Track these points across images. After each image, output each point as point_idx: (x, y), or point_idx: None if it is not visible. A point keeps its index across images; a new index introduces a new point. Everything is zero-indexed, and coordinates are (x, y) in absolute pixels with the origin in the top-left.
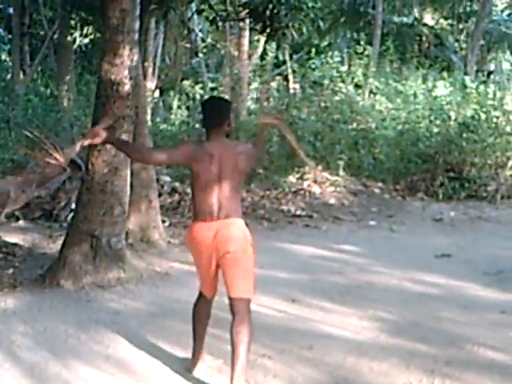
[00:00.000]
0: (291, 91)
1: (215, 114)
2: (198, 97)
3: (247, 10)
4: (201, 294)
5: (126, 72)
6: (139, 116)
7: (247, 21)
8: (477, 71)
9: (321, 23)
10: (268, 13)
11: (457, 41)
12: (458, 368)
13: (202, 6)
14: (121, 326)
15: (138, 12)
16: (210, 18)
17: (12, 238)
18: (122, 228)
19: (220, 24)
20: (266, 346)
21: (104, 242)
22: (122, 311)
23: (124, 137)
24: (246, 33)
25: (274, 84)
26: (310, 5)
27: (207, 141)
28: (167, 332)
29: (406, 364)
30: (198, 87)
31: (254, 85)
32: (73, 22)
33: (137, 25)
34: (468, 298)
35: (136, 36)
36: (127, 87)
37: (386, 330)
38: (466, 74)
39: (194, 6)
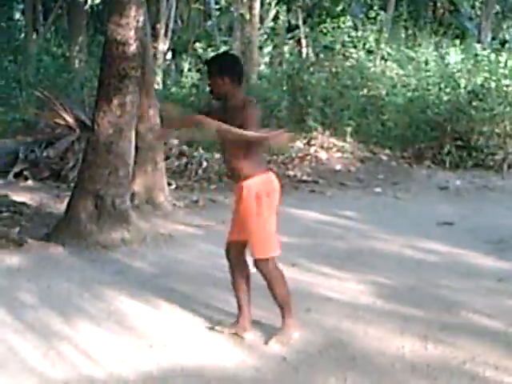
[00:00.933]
0: (304, 56)
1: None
2: None
3: None
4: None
5: (132, 33)
6: (146, 77)
7: None
8: (492, 39)
9: None
10: None
11: (472, 7)
12: (451, 334)
13: None
14: (123, 286)
15: None
16: None
17: (20, 197)
18: (126, 189)
19: None
20: (264, 309)
21: (108, 202)
22: (125, 271)
23: (129, 98)
24: None
25: (286, 48)
26: None
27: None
28: (168, 292)
29: (400, 329)
30: (210, 50)
31: (268, 49)
32: None
33: None
34: (467, 265)
35: None
36: (133, 48)
37: (384, 296)
38: (479, 41)
39: None
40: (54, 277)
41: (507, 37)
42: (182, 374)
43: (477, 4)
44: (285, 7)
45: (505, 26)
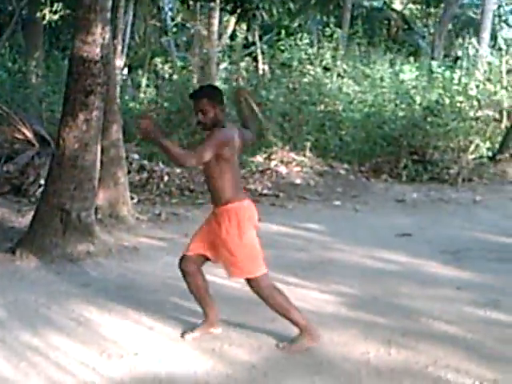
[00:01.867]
0: (260, 72)
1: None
2: (166, 76)
3: None
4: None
5: (98, 50)
6: (110, 93)
7: (218, 1)
8: (445, 56)
9: (291, 5)
10: None
11: (425, 26)
12: (413, 339)
13: None
14: (90, 297)
15: None
16: None
17: None
18: (91, 203)
19: (191, 3)
20: (231, 318)
21: (74, 215)
22: (91, 283)
23: (95, 113)
24: (217, 13)
25: (243, 64)
26: None
27: (229, 125)
28: (135, 303)
29: (364, 335)
30: (167, 66)
31: (224, 65)
32: None
33: (109, 3)
34: (426, 274)
35: (108, 14)
36: (98, 65)
37: (347, 304)
38: (433, 58)
39: None
40: (20, 290)
41: (459, 54)
42: (154, 382)
43: (430, 22)
44: (244, 25)
45: (457, 44)
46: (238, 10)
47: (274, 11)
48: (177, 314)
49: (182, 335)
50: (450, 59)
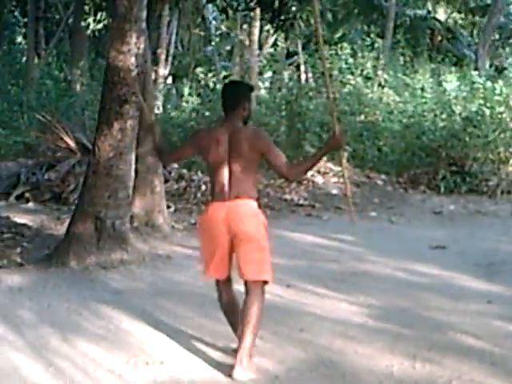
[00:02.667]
0: (302, 82)
1: (231, 97)
2: (211, 85)
3: (256, 0)
4: (217, 283)
5: (133, 59)
6: (147, 102)
7: (257, 11)
8: (490, 66)
9: (329, 15)
10: (277, 3)
11: (471, 35)
12: (439, 353)
13: None
14: (121, 305)
15: (145, 1)
16: (221, 7)
17: (21, 219)
18: (126, 211)
19: (231, 13)
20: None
21: (108, 224)
22: (123, 291)
23: (129, 122)
24: (257, 23)
25: (286, 74)
26: None
27: (220, 126)
28: (166, 311)
29: (390, 348)
30: (210, 75)
31: (268, 74)
32: (87, 8)
33: (144, 14)
34: (457, 288)
35: (143, 24)
36: (133, 74)
37: (375, 316)
38: (476, 69)
39: None
40: (54, 296)
41: (505, 64)
42: None
43: (475, 31)
44: (283, 34)
45: (503, 54)
46: (276, 20)
47: (312, 21)
48: (206, 323)
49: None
50: (494, 69)
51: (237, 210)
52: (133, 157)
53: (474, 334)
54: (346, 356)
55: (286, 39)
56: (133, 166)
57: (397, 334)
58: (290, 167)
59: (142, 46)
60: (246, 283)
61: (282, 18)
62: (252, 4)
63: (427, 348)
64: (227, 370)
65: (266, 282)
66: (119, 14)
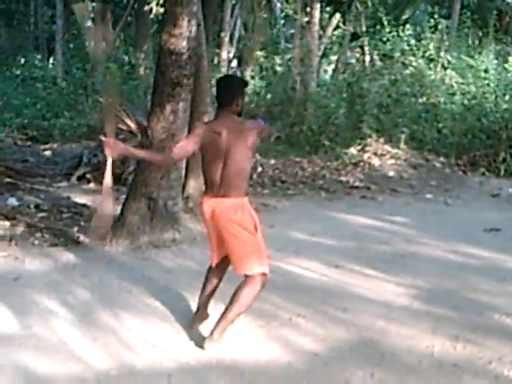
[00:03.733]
0: (366, 64)
1: (226, 92)
2: (277, 68)
3: None
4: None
5: (185, 42)
6: (201, 85)
7: None
8: None
9: None
10: None
11: None
12: (482, 335)
13: None
14: (171, 283)
15: None
16: None
17: (81, 199)
18: (178, 192)
19: None
20: (303, 306)
21: (161, 204)
22: (173, 269)
23: (181, 104)
24: (318, 5)
25: (349, 55)
26: None
27: (215, 119)
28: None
29: (432, 329)
30: (277, 58)
31: (332, 57)
32: None
33: None
34: (507, 270)
35: (195, 8)
36: (185, 57)
37: (421, 298)
38: None
39: None
40: (106, 273)
41: None
42: (218, 366)
43: None
44: (338, 16)
45: None
46: (335, 2)
47: (369, 3)
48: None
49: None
50: None
51: (223, 206)
52: None
53: None
54: (387, 336)
55: (344, 21)
56: None
57: (441, 315)
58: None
59: (193, 29)
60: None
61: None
62: None
63: (470, 330)
64: (267, 346)
65: (264, 274)
66: None
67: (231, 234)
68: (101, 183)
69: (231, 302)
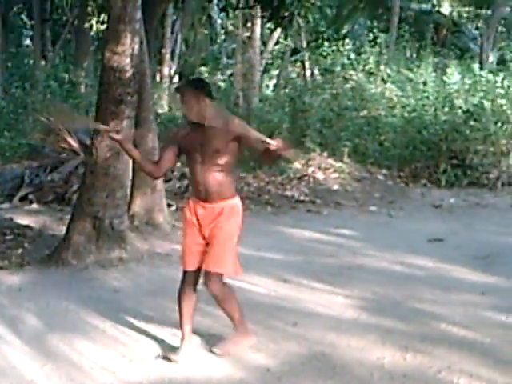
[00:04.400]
0: (308, 78)
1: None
2: (220, 84)
3: None
4: (184, 275)
5: (128, 60)
6: (144, 102)
7: (258, 9)
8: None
9: (328, 11)
10: (276, 1)
11: (476, 28)
12: (430, 344)
13: None
14: (119, 303)
15: (139, 2)
16: (221, 5)
17: (24, 220)
18: (123, 210)
19: (230, 11)
20: (253, 322)
21: (107, 223)
22: (121, 289)
23: (126, 122)
24: (258, 20)
25: (290, 70)
26: None
27: (191, 125)
28: (162, 309)
29: (382, 340)
30: (219, 73)
31: (274, 72)
32: (90, 9)
33: (139, 14)
34: (452, 280)
35: (138, 25)
36: (128, 74)
37: (368, 309)
38: (481, 62)
39: None
40: (52, 296)
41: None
42: None
43: (480, 25)
44: (279, 31)
45: (505, 47)
46: (275, 17)
47: (310, 18)
48: (201, 320)
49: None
50: (498, 62)
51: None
52: None
53: (466, 325)
54: (338, 349)
55: (285, 36)
56: (130, 166)
57: (390, 326)
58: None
59: (136, 47)
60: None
61: (281, 15)
62: (251, 2)
63: (419, 340)
64: (218, 363)
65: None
66: (113, 15)
67: (222, 230)
68: (44, 203)
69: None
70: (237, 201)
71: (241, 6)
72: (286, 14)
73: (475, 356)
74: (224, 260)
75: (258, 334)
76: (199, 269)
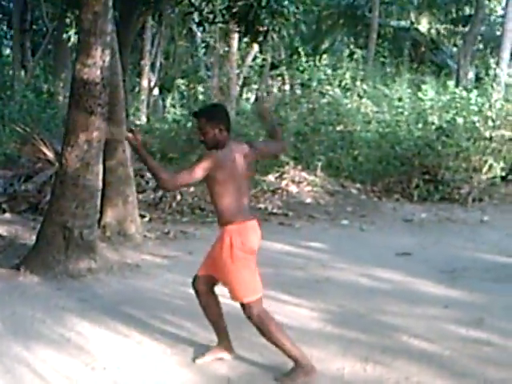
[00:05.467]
0: (284, 92)
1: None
2: (200, 96)
3: (231, 13)
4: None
5: (98, 72)
6: (117, 114)
7: (233, 23)
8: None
9: (303, 27)
10: (251, 16)
11: (455, 45)
12: (390, 356)
13: (190, 9)
14: (85, 312)
15: (110, 15)
16: (198, 19)
17: None
18: (93, 220)
19: (206, 25)
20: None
21: (76, 233)
22: (88, 299)
23: (96, 134)
24: (235, 35)
25: (270, 84)
26: (291, 10)
27: (233, 145)
28: (128, 318)
29: (343, 351)
30: (199, 86)
31: (254, 86)
32: (68, 20)
33: (109, 27)
34: (417, 293)
35: (109, 38)
36: (99, 86)
37: (332, 321)
38: (457, 78)
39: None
40: (19, 304)
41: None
42: None
43: (458, 42)
44: (256, 46)
45: (478, 64)
46: (250, 32)
47: (285, 33)
48: (166, 330)
49: (194, 360)
50: (482, 78)
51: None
52: (100, 167)
53: (426, 338)
54: None
55: (261, 51)
56: (100, 177)
57: (352, 338)
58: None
59: (107, 59)
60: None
61: (255, 30)
62: (227, 17)
63: (380, 351)
64: (181, 372)
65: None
66: (84, 27)
67: (218, 263)
68: (17, 213)
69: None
70: (227, 228)
71: (216, 20)
72: (261, 29)
73: (433, 368)
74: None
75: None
76: None
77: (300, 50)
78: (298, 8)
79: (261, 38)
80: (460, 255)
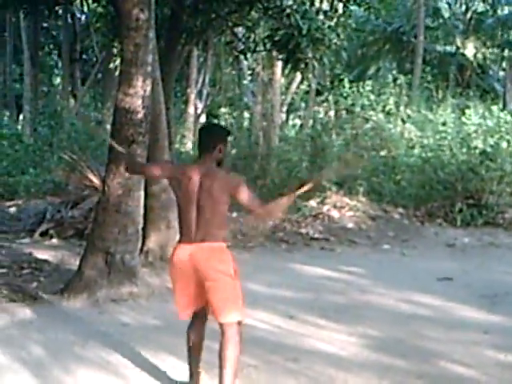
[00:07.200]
0: (328, 118)
1: (207, 140)
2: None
3: (272, 42)
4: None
5: (140, 101)
6: (160, 142)
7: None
8: None
9: (344, 54)
10: (291, 45)
11: (503, 69)
12: (427, 381)
13: (232, 38)
14: (126, 337)
15: (151, 46)
16: (239, 48)
17: (43, 255)
18: (135, 246)
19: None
20: (255, 357)
21: (118, 258)
22: (129, 323)
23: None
24: (279, 62)
25: (316, 109)
26: (331, 37)
27: (194, 164)
28: (168, 344)
29: (379, 377)
30: (245, 113)
31: (299, 112)
32: (115, 50)
33: (150, 58)
34: (457, 318)
35: (149, 68)
36: (140, 115)
37: (370, 346)
38: (504, 102)
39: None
40: (61, 329)
41: None
42: None
43: (505, 66)
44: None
45: None
46: (291, 60)
47: (326, 61)
48: (205, 357)
49: None
50: None
51: (201, 252)
52: (141, 193)
53: (464, 363)
54: None
55: (303, 78)
56: (141, 203)
57: (389, 363)
58: (260, 205)
59: (148, 89)
60: (220, 326)
61: (296, 58)
62: (269, 45)
63: (416, 377)
64: None
65: (239, 322)
66: (126, 58)
67: (211, 279)
68: (64, 239)
69: (222, 367)
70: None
71: (258, 49)
72: (302, 56)
73: None
74: None
75: (259, 369)
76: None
77: (342, 76)
78: (338, 36)
79: (302, 66)
80: (502, 280)
